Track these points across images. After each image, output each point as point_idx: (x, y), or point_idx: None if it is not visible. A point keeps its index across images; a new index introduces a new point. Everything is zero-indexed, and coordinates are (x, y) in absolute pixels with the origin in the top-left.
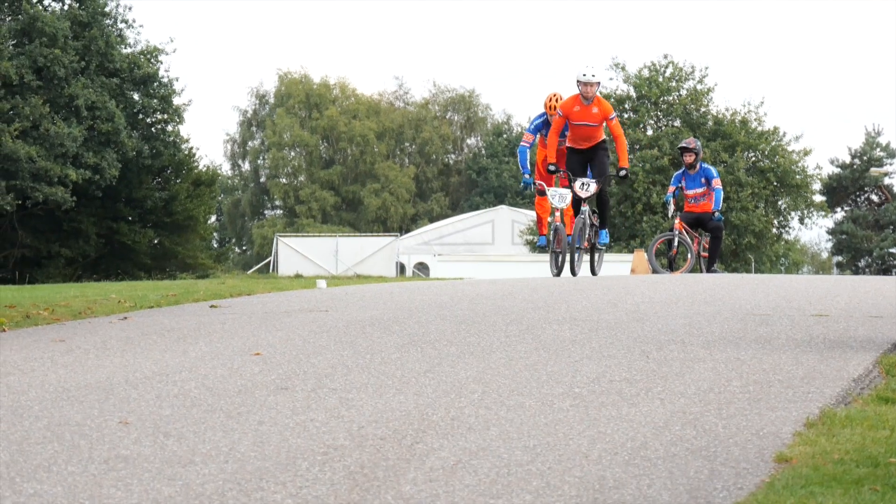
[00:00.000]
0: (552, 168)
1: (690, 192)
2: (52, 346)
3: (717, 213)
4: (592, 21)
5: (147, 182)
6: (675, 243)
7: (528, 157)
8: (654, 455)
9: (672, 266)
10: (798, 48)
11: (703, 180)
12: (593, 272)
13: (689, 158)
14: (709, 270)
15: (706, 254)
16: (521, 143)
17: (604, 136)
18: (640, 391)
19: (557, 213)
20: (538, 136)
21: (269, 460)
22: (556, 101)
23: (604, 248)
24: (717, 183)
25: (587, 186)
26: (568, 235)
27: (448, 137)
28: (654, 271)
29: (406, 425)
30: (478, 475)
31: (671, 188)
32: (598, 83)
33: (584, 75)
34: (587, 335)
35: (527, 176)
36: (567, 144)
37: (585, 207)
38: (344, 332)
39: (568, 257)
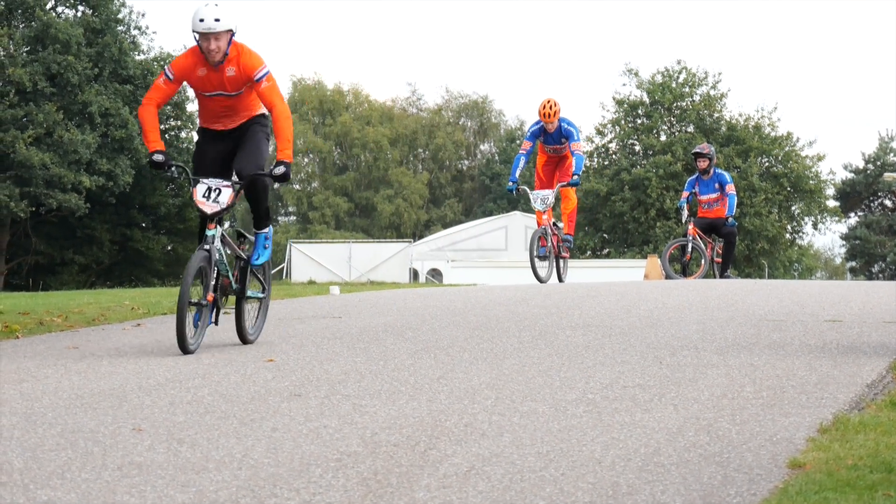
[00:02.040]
0: (157, 158)
1: (704, 198)
2: (66, 353)
3: (730, 219)
4: (605, 27)
5: (160, 189)
6: (689, 249)
7: (521, 166)
8: (668, 461)
9: (686, 271)
10: (811, 53)
11: (716, 186)
12: (243, 341)
13: (702, 164)
14: (722, 276)
15: (719, 259)
16: (519, 151)
17: (259, 111)
18: (654, 397)
19: (545, 217)
20: (536, 142)
21: (283, 467)
22: (551, 107)
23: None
24: (730, 188)
25: (216, 196)
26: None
27: (461, 143)
28: (668, 277)
29: (419, 432)
30: (491, 481)
31: (685, 193)
32: (230, 31)
33: (202, 21)
34: (600, 341)
35: (511, 183)
36: (200, 125)
37: (214, 231)
38: (357, 338)
39: (549, 263)
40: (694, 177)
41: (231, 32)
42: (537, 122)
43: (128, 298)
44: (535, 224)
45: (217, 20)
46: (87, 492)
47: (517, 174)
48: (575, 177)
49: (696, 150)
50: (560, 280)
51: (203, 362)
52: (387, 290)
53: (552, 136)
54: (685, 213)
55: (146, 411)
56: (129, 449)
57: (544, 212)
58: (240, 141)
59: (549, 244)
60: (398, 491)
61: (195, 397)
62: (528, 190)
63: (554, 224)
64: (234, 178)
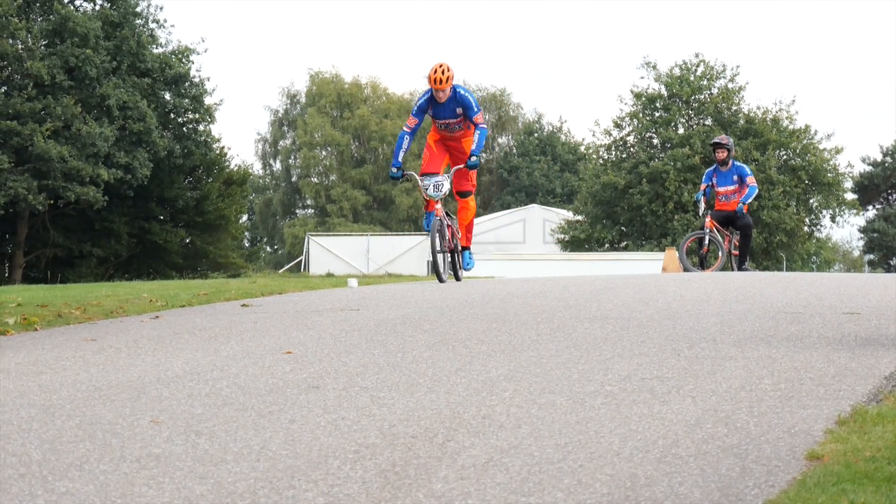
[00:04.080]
0: None
1: (721, 190)
2: (84, 345)
3: (740, 205)
4: (624, 20)
5: (178, 181)
6: (706, 241)
7: (405, 146)
8: (686, 453)
9: (703, 264)
10: (829, 47)
11: (735, 178)
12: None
13: (721, 154)
14: (740, 268)
15: (737, 252)
16: (402, 129)
17: None
18: (672, 389)
19: (437, 207)
20: (424, 118)
21: (301, 459)
22: (443, 72)
23: None
24: (751, 181)
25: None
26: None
27: None
28: (686, 269)
29: (437, 424)
30: (509, 473)
31: (703, 186)
32: None
33: None
34: (618, 333)
35: (394, 170)
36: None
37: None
38: (375, 330)
39: (441, 259)
40: (712, 168)
41: None
42: (426, 93)
43: (146, 291)
44: (553, 217)
45: None
46: (105, 483)
47: (401, 157)
48: (473, 157)
49: (716, 140)
50: (457, 278)
51: (221, 354)
52: (404, 282)
53: (444, 108)
54: (702, 205)
55: (164, 403)
56: (147, 441)
57: (437, 200)
58: None
59: (447, 240)
60: (416, 483)
61: (213, 389)
62: (415, 175)
63: (447, 214)
64: None
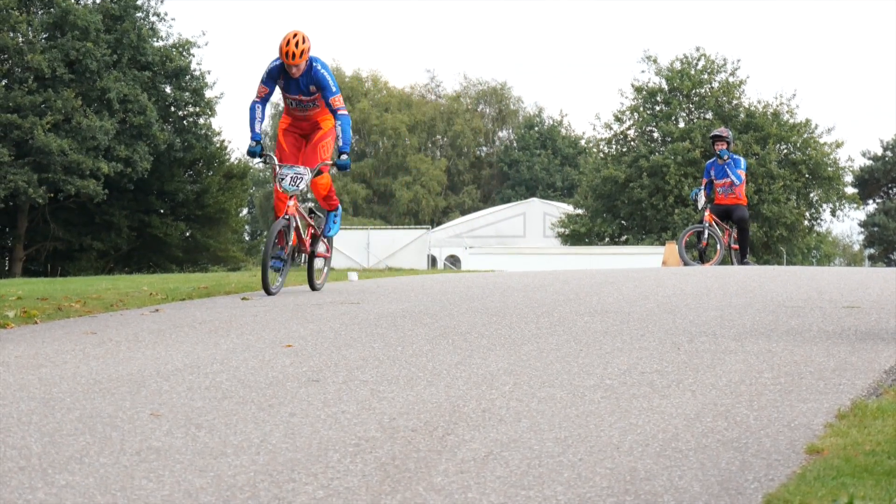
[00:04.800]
0: None
1: (719, 182)
2: (84, 339)
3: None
4: (624, 13)
5: (179, 175)
6: (705, 235)
7: (259, 116)
8: (686, 446)
9: (703, 258)
10: (830, 41)
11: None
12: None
13: (721, 147)
14: (741, 262)
15: (736, 246)
16: (253, 99)
17: None
18: (672, 383)
19: (290, 204)
20: (276, 87)
21: (301, 452)
22: (297, 45)
23: None
24: (740, 172)
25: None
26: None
27: (480, 130)
28: (685, 263)
29: (437, 417)
30: (509, 467)
31: (704, 180)
32: None
33: None
34: (618, 327)
35: (253, 143)
36: None
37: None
38: (375, 324)
39: (285, 270)
40: (711, 161)
41: None
42: (276, 60)
43: (146, 284)
44: (554, 211)
45: None
46: (105, 476)
47: (258, 127)
48: (344, 156)
49: (716, 133)
50: (313, 287)
51: (221, 348)
52: (405, 276)
53: (297, 83)
54: (702, 199)
55: (164, 396)
56: (147, 434)
57: (291, 196)
58: None
59: (289, 244)
60: (416, 476)
61: (213, 382)
62: (274, 159)
63: (310, 212)
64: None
